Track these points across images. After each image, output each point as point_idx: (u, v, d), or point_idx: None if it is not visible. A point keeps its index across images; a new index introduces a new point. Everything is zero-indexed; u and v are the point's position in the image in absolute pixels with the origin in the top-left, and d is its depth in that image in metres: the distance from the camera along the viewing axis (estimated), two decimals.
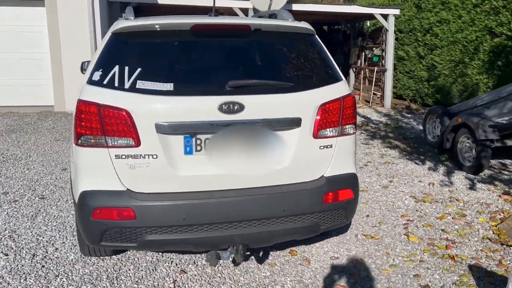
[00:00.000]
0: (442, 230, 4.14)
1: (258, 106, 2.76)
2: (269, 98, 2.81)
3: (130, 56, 2.81)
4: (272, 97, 2.82)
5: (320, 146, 2.93)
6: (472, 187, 5.37)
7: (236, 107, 2.72)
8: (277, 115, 2.81)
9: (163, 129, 2.68)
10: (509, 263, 3.50)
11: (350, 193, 3.05)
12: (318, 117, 2.89)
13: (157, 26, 2.84)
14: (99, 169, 2.74)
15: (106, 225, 2.72)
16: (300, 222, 2.91)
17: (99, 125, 2.68)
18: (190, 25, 2.81)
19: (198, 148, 2.76)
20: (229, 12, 11.00)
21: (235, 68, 2.87)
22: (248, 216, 2.79)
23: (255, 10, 10.56)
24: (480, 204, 4.80)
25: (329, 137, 2.95)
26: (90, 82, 2.76)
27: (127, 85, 2.69)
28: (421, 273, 3.37)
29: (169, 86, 2.69)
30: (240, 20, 2.97)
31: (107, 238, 2.77)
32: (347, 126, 3.02)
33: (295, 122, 2.85)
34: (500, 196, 5.02)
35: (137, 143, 2.68)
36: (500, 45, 8.56)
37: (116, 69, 2.73)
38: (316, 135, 2.90)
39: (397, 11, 11.43)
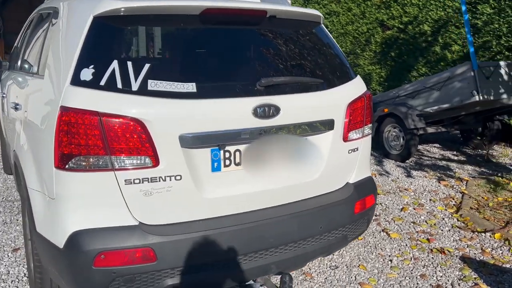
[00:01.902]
0: (413, 222, 4.14)
1: (294, 107, 2.32)
2: (303, 98, 2.38)
3: (128, 47, 2.14)
4: (306, 96, 2.40)
5: (349, 150, 2.61)
6: (409, 175, 5.54)
7: (272, 110, 2.24)
8: (312, 117, 2.40)
9: (189, 142, 2.09)
10: (491, 250, 3.59)
11: (373, 199, 2.78)
12: (347, 118, 2.55)
13: (159, 9, 2.20)
14: (100, 200, 2.04)
15: (114, 273, 2.04)
16: (333, 238, 2.56)
17: (101, 141, 1.98)
18: (201, 8, 2.23)
19: (227, 162, 2.23)
20: None
21: (260, 63, 2.37)
22: (286, 239, 2.35)
23: None
24: (428, 192, 4.95)
25: (356, 139, 2.64)
26: (78, 82, 2.02)
27: (135, 86, 2.03)
28: (424, 272, 3.27)
29: (190, 87, 2.10)
30: (254, 4, 2.45)
31: None
32: (367, 126, 2.73)
33: (328, 125, 2.47)
34: (439, 182, 5.25)
35: (155, 162, 2.05)
36: (392, 37, 9.09)
37: (115, 65, 2.04)
38: (346, 138, 2.56)
39: None
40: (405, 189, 5.01)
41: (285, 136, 2.33)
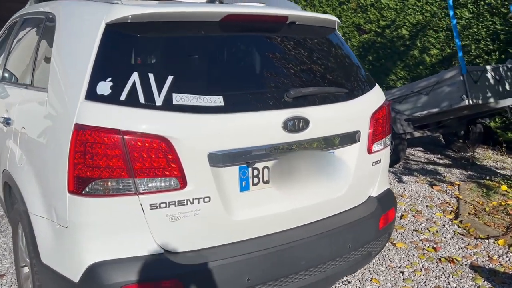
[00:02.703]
0: (415, 230, 4.07)
1: (322, 120, 2.18)
2: (330, 109, 2.25)
3: (147, 57, 1.94)
4: (333, 107, 2.26)
5: (373, 163, 2.49)
6: (400, 180, 5.51)
7: (301, 123, 2.09)
8: (340, 129, 2.27)
9: (218, 160, 1.91)
10: (498, 257, 3.56)
11: (394, 212, 2.68)
12: (371, 129, 2.43)
13: (178, 15, 2.01)
14: (122, 227, 1.84)
15: None
16: (359, 255, 2.43)
17: (123, 163, 1.78)
18: (222, 15, 2.06)
19: (255, 180, 2.06)
20: None
21: (284, 72, 2.21)
22: (317, 260, 2.21)
23: None
24: (423, 197, 4.91)
25: (379, 151, 2.52)
26: (94, 97, 1.81)
27: (159, 100, 1.84)
28: (438, 283, 3.19)
29: (217, 100, 1.93)
30: (275, 10, 2.30)
31: None
32: (388, 137, 2.63)
33: (354, 137, 2.34)
34: (431, 187, 5.23)
35: (183, 184, 1.86)
36: (369, 41, 9.12)
37: (135, 77, 1.85)
38: (370, 150, 2.44)
39: None
40: (400, 195, 4.96)
41: (313, 150, 2.18)
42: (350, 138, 2.31)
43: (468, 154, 6.60)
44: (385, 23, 8.72)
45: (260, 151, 2.01)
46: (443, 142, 7.36)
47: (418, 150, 7.10)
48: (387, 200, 2.62)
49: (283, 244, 2.09)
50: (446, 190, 5.14)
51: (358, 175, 2.39)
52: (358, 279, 3.23)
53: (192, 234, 1.93)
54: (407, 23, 8.26)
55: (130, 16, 1.92)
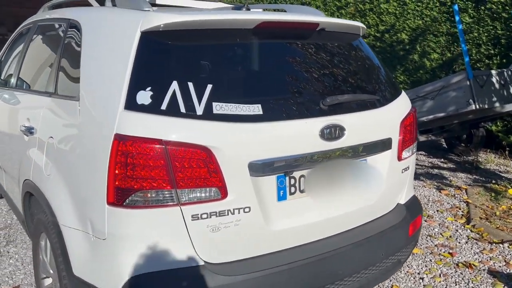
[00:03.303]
0: (429, 236, 4.07)
1: (357, 127, 2.17)
2: (364, 117, 2.23)
3: (184, 66, 1.90)
4: (366, 114, 2.25)
5: (402, 170, 2.48)
6: None
7: (337, 131, 2.07)
8: (373, 137, 2.26)
9: (258, 170, 1.89)
10: None
11: (421, 219, 2.67)
12: (401, 136, 2.42)
13: (213, 23, 1.99)
14: (162, 239, 1.80)
15: None
16: (390, 263, 2.42)
17: (166, 173, 1.75)
18: (257, 22, 2.04)
19: (292, 190, 2.04)
20: (89, 4, 9.47)
21: (317, 79, 2.19)
22: (353, 269, 2.18)
23: (112, 1, 9.30)
24: (432, 202, 4.92)
25: (407, 157, 2.51)
26: (134, 107, 1.78)
27: (199, 110, 1.81)
28: None
29: (256, 109, 1.90)
30: (306, 17, 2.29)
31: None
32: (415, 144, 2.62)
33: (387, 144, 2.33)
34: (439, 191, 5.24)
35: (224, 194, 1.83)
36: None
37: (174, 86, 1.81)
38: (400, 157, 2.43)
39: None
40: None
41: (348, 158, 2.16)
42: (383, 145, 2.30)
43: (471, 158, 6.64)
44: (384, 27, 8.77)
45: (298, 159, 1.99)
46: (444, 146, 7.40)
47: (421, 154, 7.12)
48: (414, 207, 2.61)
49: (320, 253, 2.07)
50: (454, 195, 5.15)
51: (389, 182, 2.37)
52: (379, 286, 3.21)
53: (232, 245, 1.90)
54: (407, 27, 8.31)
55: (166, 24, 1.89)
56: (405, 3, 8.33)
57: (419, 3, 8.08)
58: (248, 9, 2.46)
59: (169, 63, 1.89)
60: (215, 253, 1.87)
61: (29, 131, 2.52)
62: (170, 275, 1.80)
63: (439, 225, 4.31)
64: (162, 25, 1.88)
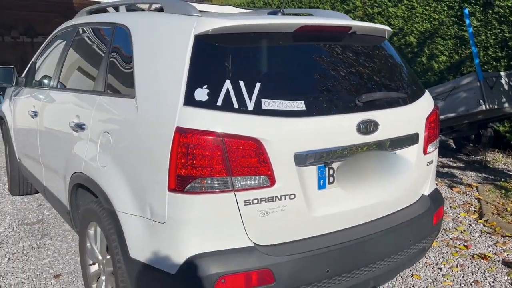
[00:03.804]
0: (444, 230, 4.25)
1: (389, 123, 2.35)
2: (395, 113, 2.42)
3: (234, 66, 2.09)
4: (397, 111, 2.44)
5: (427, 163, 2.66)
6: None
7: (372, 125, 2.26)
8: (403, 131, 2.45)
9: (302, 160, 2.08)
10: None
11: (443, 210, 2.85)
12: (426, 131, 2.61)
13: (258, 27, 2.18)
14: (218, 222, 1.99)
15: None
16: (416, 250, 2.60)
17: (222, 162, 1.93)
18: (297, 26, 2.23)
19: (331, 179, 2.22)
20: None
21: (351, 78, 2.38)
22: (385, 253, 2.37)
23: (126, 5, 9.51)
24: (445, 199, 5.09)
25: (431, 152, 2.70)
26: (192, 103, 1.97)
27: (250, 105, 2.00)
28: (476, 279, 3.37)
29: (300, 105, 2.09)
30: (341, 21, 2.48)
31: None
32: (438, 139, 2.80)
33: (414, 139, 2.52)
34: (451, 189, 5.42)
35: (272, 182, 2.02)
36: None
37: (228, 84, 2.00)
38: (425, 151, 2.62)
39: None
40: None
41: (381, 150, 2.35)
42: (411, 139, 2.49)
43: (479, 157, 6.82)
44: (392, 31, 8.95)
45: (337, 151, 2.18)
46: (453, 146, 7.58)
47: None
48: (437, 198, 2.79)
49: (356, 238, 2.25)
50: (465, 192, 5.33)
51: (416, 174, 2.56)
52: (400, 275, 3.39)
53: (279, 228, 2.08)
54: (415, 31, 8.50)
55: (218, 28, 2.08)
56: (413, 6, 8.53)
57: (427, 7, 8.28)
58: (284, 14, 2.66)
59: (221, 63, 2.08)
60: (263, 236, 2.06)
61: (80, 127, 2.71)
62: (225, 255, 1.99)
63: (452, 220, 4.49)
64: (212, 30, 2.08)
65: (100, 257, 2.68)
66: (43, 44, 4.12)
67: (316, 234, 2.19)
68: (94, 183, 2.48)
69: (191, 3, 2.37)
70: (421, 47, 8.42)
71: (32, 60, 4.20)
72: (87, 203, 2.74)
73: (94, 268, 2.82)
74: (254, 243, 2.04)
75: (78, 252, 3.66)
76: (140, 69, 2.30)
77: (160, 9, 2.64)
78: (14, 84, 4.12)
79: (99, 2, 9.53)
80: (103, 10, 3.46)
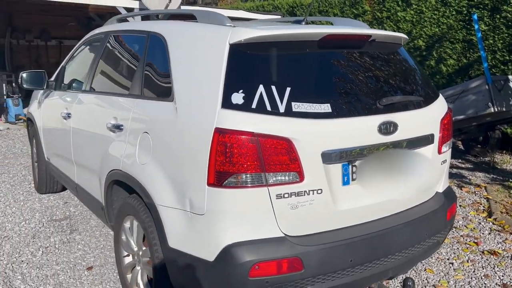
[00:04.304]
0: (455, 227, 4.42)
1: (407, 124, 2.54)
2: (413, 115, 2.61)
3: (266, 72, 2.30)
4: (414, 113, 2.63)
5: (441, 162, 2.85)
6: None
7: (392, 126, 2.45)
8: (420, 132, 2.64)
9: (329, 158, 2.27)
10: None
11: (455, 207, 3.03)
12: (441, 132, 2.80)
13: (287, 36, 2.38)
14: (252, 214, 2.19)
15: (267, 283, 2.19)
16: (431, 243, 2.78)
17: (257, 160, 2.13)
18: (322, 34, 2.43)
19: (354, 176, 2.42)
20: (114, 11, 9.94)
21: (372, 82, 2.58)
22: (403, 245, 2.55)
23: (141, 10, 9.78)
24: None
25: (445, 151, 2.88)
26: (230, 106, 2.17)
27: (281, 108, 2.20)
28: (486, 273, 3.54)
29: (326, 107, 2.29)
30: (361, 29, 2.68)
31: None
32: (451, 140, 2.99)
33: (430, 139, 2.71)
34: (460, 189, 5.60)
35: (301, 178, 2.22)
36: None
37: (261, 89, 2.20)
38: (440, 151, 2.80)
39: None
40: None
41: (399, 150, 2.54)
42: (427, 140, 2.68)
43: (487, 158, 6.98)
44: None
45: (359, 150, 2.37)
46: (461, 148, 7.74)
47: None
48: (450, 196, 2.97)
49: (376, 231, 2.44)
50: (474, 192, 5.50)
51: (431, 172, 2.75)
52: (413, 269, 3.57)
53: (307, 221, 2.28)
54: (424, 35, 8.68)
55: (249, 38, 2.28)
56: (422, 11, 8.71)
57: (435, 11, 8.46)
58: (307, 23, 2.86)
59: (254, 69, 2.28)
60: (293, 227, 2.25)
61: (118, 128, 2.92)
62: (259, 244, 2.18)
63: (462, 218, 4.66)
64: (246, 39, 2.28)
65: (135, 249, 2.89)
66: (73, 50, 4.33)
67: (341, 226, 2.38)
68: (133, 179, 2.68)
69: (220, 13, 2.58)
70: (429, 51, 8.59)
71: (62, 64, 4.42)
72: (121, 198, 2.94)
73: (128, 259, 3.03)
74: (285, 233, 2.24)
75: (107, 247, 3.89)
76: (178, 75, 2.51)
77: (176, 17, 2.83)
78: (44, 87, 4.33)
79: (113, 7, 9.79)
80: (132, 18, 3.67)
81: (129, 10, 9.83)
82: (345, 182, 2.38)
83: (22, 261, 3.65)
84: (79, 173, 3.72)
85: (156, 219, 2.48)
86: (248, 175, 2.14)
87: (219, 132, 2.13)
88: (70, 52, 4.39)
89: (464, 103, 5.88)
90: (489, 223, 4.54)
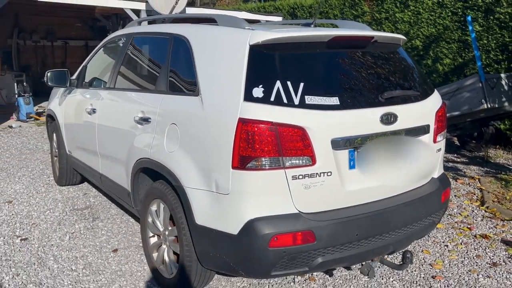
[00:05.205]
0: (450, 215, 4.76)
1: (406, 115, 2.87)
2: (411, 107, 2.94)
3: (282, 70, 2.62)
4: (412, 106, 2.96)
5: (436, 150, 3.18)
6: None
7: (392, 117, 2.78)
8: (417, 123, 2.96)
9: (337, 145, 2.60)
10: None
11: (449, 191, 3.36)
12: (436, 124, 3.12)
13: (300, 38, 2.71)
14: (271, 192, 2.51)
15: (284, 252, 2.51)
16: (427, 223, 3.11)
17: (276, 146, 2.46)
18: (331, 36, 2.76)
19: (359, 161, 2.74)
20: (120, 13, 10.28)
21: (374, 78, 2.91)
22: (402, 222, 2.88)
23: (147, 12, 10.10)
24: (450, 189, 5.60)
25: (440, 141, 3.21)
26: (251, 99, 2.50)
27: (296, 101, 2.53)
28: (478, 253, 3.88)
29: (335, 100, 2.62)
30: (365, 31, 3.01)
31: (280, 267, 2.56)
32: (445, 131, 3.32)
33: (426, 129, 3.03)
34: (455, 181, 5.93)
35: (314, 161, 2.54)
36: None
37: (278, 84, 2.53)
38: (435, 140, 3.13)
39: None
40: None
41: (399, 138, 2.87)
42: (423, 130, 3.00)
43: (481, 153, 7.32)
44: None
45: (364, 138, 2.70)
46: (457, 143, 8.08)
47: None
48: (444, 181, 3.30)
49: (379, 209, 2.77)
50: (469, 183, 5.85)
51: (427, 159, 3.08)
52: (411, 250, 3.90)
53: (318, 199, 2.60)
54: (421, 35, 9.02)
55: (266, 40, 2.61)
56: (419, 12, 9.05)
57: (432, 13, 8.80)
58: (316, 26, 3.18)
59: (271, 67, 2.61)
60: (306, 205, 2.57)
61: (146, 120, 3.24)
62: (277, 219, 2.51)
63: (457, 207, 5.00)
64: (265, 40, 2.60)
65: (161, 229, 3.21)
66: (94, 50, 4.65)
67: (348, 205, 2.71)
68: (162, 166, 3.00)
69: (240, 18, 2.91)
70: (426, 51, 8.93)
71: (83, 64, 4.74)
72: (146, 185, 3.27)
73: (153, 239, 3.35)
74: (299, 210, 2.56)
75: (129, 232, 4.22)
76: (202, 73, 2.83)
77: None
78: (67, 85, 4.65)
79: (121, 9, 10.09)
80: (153, 21, 3.99)
81: (136, 11, 10.17)
82: (351, 166, 2.71)
83: (52, 244, 3.96)
84: (104, 163, 4.04)
85: (184, 200, 2.80)
86: (267, 159, 2.46)
87: (242, 122, 2.45)
88: (92, 52, 4.70)
89: (459, 100, 6.22)
90: (481, 211, 4.88)
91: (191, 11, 10.65)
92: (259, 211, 2.51)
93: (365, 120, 2.70)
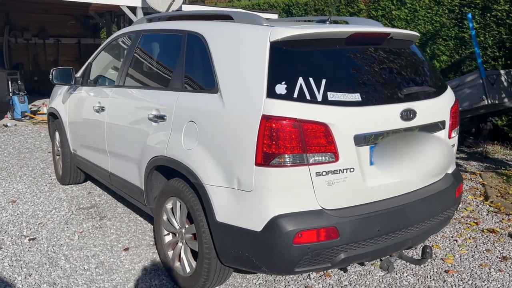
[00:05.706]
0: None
1: (424, 111, 2.89)
2: (428, 103, 2.96)
3: (303, 66, 2.62)
4: (430, 102, 2.97)
5: (451, 145, 3.20)
6: None
7: (411, 114, 2.80)
8: (434, 119, 2.98)
9: (360, 141, 2.61)
10: None
11: (462, 187, 3.39)
12: (450, 120, 3.15)
13: (319, 34, 2.71)
14: (294, 189, 2.51)
15: (309, 248, 2.52)
16: (442, 218, 3.14)
17: (300, 142, 2.46)
18: (350, 33, 2.76)
19: (380, 156, 2.75)
20: (114, 10, 10.18)
21: (393, 75, 2.92)
22: (421, 218, 2.90)
23: (143, 9, 10.02)
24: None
25: (454, 137, 3.24)
26: (274, 96, 2.49)
27: (319, 97, 2.53)
28: (487, 247, 3.92)
29: (356, 96, 2.63)
30: (381, 28, 3.02)
31: (303, 264, 2.57)
32: (458, 127, 3.34)
33: (442, 125, 3.06)
34: None
35: (337, 158, 2.55)
36: None
37: (301, 81, 2.53)
38: (450, 136, 3.16)
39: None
40: None
41: (417, 134, 2.89)
42: (440, 125, 3.03)
43: (480, 149, 7.40)
44: None
45: (384, 134, 2.71)
46: None
47: None
48: (458, 176, 3.33)
49: (399, 205, 2.78)
50: (470, 178, 5.90)
51: (443, 155, 3.10)
52: (421, 246, 3.93)
53: (341, 196, 2.61)
54: (417, 32, 9.06)
55: (286, 36, 2.60)
56: (416, 10, 9.10)
57: (429, 10, 8.86)
58: (331, 23, 3.19)
59: (293, 63, 2.60)
60: (329, 201, 2.58)
61: (161, 118, 3.21)
62: (301, 215, 2.51)
63: (461, 202, 5.04)
64: (285, 37, 2.60)
65: (178, 227, 3.19)
66: (100, 48, 4.60)
67: (369, 201, 2.72)
68: (179, 163, 2.98)
69: (257, 13, 2.89)
70: (423, 48, 8.99)
71: (88, 61, 4.69)
72: (160, 183, 3.25)
73: (168, 237, 3.33)
74: (322, 207, 2.57)
75: (138, 230, 4.19)
76: (221, 70, 2.82)
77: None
78: (72, 83, 4.60)
79: (116, 6, 9.99)
80: (163, 18, 3.96)
81: (132, 8, 10.08)
82: (372, 162, 2.72)
83: (61, 244, 3.93)
84: (114, 162, 4.01)
85: (204, 197, 2.79)
86: (291, 156, 2.46)
87: (266, 119, 2.45)
88: (97, 50, 4.65)
89: (459, 96, 6.27)
90: (486, 205, 4.94)
91: (186, 8, 10.59)
92: (283, 208, 2.51)
93: (385, 116, 2.71)
